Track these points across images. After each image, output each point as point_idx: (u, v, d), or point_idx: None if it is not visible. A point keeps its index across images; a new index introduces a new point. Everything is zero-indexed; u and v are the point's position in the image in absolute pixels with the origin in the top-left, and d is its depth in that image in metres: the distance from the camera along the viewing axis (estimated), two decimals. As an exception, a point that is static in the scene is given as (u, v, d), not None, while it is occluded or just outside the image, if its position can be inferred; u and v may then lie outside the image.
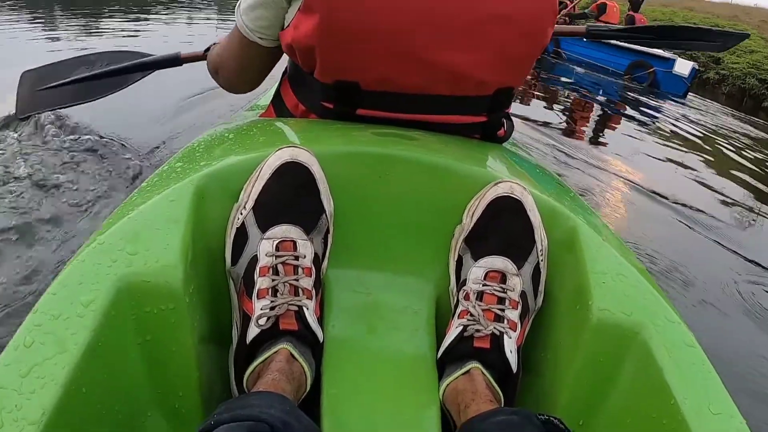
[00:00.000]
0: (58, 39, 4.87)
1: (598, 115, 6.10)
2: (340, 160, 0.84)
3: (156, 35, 5.70)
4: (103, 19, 5.99)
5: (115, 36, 5.34)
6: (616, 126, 5.82)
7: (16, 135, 2.51)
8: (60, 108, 2.27)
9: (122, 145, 2.64)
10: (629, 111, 6.59)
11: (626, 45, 9.77)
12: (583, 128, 5.23)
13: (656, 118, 6.59)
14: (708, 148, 5.29)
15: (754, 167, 4.92)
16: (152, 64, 1.92)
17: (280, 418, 0.56)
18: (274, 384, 0.64)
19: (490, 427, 0.63)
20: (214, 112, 3.09)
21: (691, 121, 6.55)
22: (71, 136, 2.58)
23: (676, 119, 6.56)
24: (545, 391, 0.81)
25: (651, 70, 9.22)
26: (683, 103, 8.36)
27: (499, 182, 0.82)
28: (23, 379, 0.55)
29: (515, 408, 0.70)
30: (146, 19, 6.59)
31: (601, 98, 7.14)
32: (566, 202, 0.88)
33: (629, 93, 7.97)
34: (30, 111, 2.17)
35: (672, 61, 9.13)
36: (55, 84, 2.05)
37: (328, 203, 0.79)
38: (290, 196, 0.76)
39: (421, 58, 0.94)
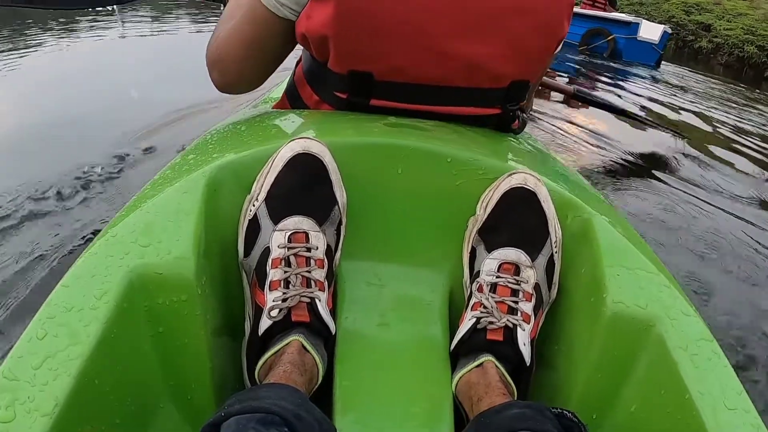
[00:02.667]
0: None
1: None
2: (353, 151, 0.83)
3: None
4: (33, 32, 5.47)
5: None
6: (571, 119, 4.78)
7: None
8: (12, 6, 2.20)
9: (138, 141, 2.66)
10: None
11: (581, 11, 8.45)
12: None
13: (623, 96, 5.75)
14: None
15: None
16: None
17: (291, 410, 0.56)
18: (286, 376, 0.64)
19: (503, 420, 0.63)
20: (224, 107, 3.07)
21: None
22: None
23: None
24: (559, 385, 0.80)
25: (611, 37, 8.07)
26: (656, 78, 7.10)
27: (513, 173, 0.81)
28: (36, 371, 0.55)
29: (528, 401, 0.69)
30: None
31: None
32: (580, 194, 0.87)
33: (587, 68, 6.88)
34: None
35: (635, 26, 7.94)
36: None
37: (340, 194, 0.79)
38: (302, 188, 0.76)
39: (435, 48, 0.93)
